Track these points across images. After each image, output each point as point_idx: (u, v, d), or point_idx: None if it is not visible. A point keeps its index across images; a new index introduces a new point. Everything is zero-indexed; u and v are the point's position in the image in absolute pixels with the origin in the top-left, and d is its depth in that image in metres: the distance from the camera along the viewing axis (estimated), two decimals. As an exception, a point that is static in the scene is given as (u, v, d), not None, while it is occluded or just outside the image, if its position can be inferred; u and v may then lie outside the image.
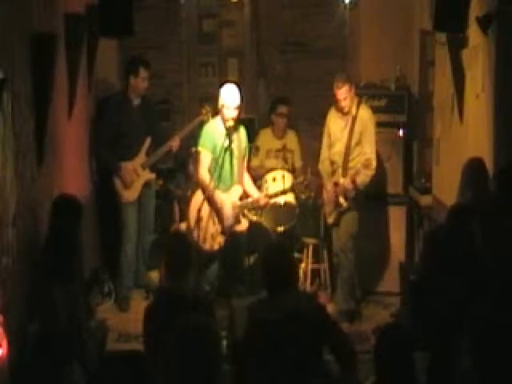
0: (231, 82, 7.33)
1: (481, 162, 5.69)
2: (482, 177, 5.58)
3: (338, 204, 7.26)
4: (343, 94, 7.14)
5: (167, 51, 9.03)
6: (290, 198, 7.49)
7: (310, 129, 8.68)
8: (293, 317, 4.46)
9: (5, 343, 3.95)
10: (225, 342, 5.03)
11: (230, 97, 6.97)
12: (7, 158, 4.69)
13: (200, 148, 7.09)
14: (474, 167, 5.67)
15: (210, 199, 7.01)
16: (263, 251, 5.02)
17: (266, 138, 8.26)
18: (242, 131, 7.24)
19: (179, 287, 4.86)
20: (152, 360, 3.62)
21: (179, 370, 3.42)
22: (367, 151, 7.16)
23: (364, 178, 7.14)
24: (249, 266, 7.62)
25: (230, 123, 6.98)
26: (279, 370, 4.38)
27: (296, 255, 7.81)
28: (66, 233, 5.31)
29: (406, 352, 3.73)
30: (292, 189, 7.44)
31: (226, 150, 7.01)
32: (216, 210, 7.04)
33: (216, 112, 7.27)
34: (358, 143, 7.22)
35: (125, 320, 7.37)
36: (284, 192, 7.40)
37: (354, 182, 7.11)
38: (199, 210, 6.99)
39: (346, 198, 7.22)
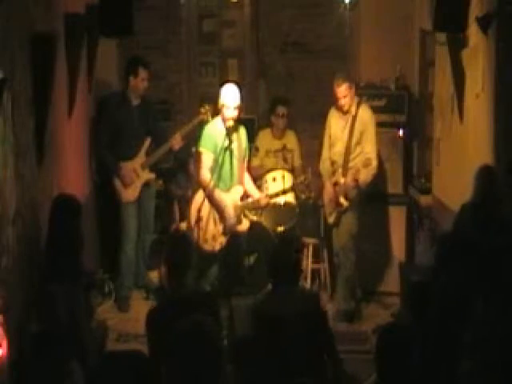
0: (232, 81, 7.32)
1: (489, 168, 5.69)
2: (487, 182, 5.58)
3: (338, 204, 7.26)
4: (343, 92, 7.15)
5: (167, 51, 9.04)
6: (290, 198, 7.50)
7: (310, 129, 8.69)
8: (300, 315, 4.51)
9: (5, 343, 3.95)
10: (225, 342, 5.03)
11: (230, 96, 6.96)
12: (7, 157, 4.69)
13: (201, 148, 7.08)
14: (481, 174, 5.66)
15: (211, 199, 7.01)
16: (275, 244, 5.10)
17: (266, 139, 8.26)
18: (243, 131, 7.23)
19: (180, 288, 4.87)
20: (156, 362, 3.62)
21: (180, 370, 3.42)
22: (368, 150, 7.17)
23: (365, 176, 7.13)
24: (249, 266, 7.62)
25: (230, 123, 6.97)
26: (283, 365, 4.42)
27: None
28: (65, 232, 5.31)
29: (406, 352, 3.73)
30: (292, 189, 7.44)
31: (225, 149, 7.00)
32: (218, 210, 7.04)
33: (216, 112, 7.26)
34: (359, 143, 7.22)
35: (125, 320, 7.37)
36: (284, 192, 7.40)
37: (356, 180, 7.11)
38: (199, 210, 6.99)
39: (346, 198, 7.22)
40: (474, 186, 5.63)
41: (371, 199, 7.49)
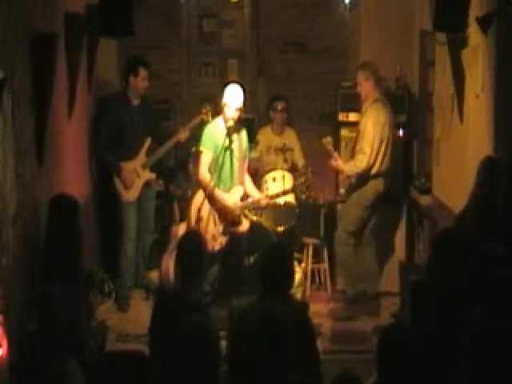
0: (236, 82, 7.31)
1: (492, 159, 5.67)
2: (489, 173, 5.56)
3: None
4: (357, 77, 7.32)
5: (167, 51, 9.04)
6: (290, 198, 7.50)
7: (310, 128, 8.69)
8: (278, 324, 4.40)
9: (5, 343, 3.95)
10: (224, 343, 5.02)
11: (232, 96, 6.96)
12: (7, 157, 4.69)
13: (201, 148, 7.09)
14: (483, 164, 5.64)
15: (210, 198, 7.00)
16: (264, 250, 5.00)
17: (266, 135, 8.27)
18: (244, 132, 7.23)
19: (188, 289, 4.87)
20: (154, 360, 3.62)
21: (178, 370, 3.42)
22: (362, 147, 7.18)
23: (351, 165, 7.25)
24: (249, 266, 7.62)
25: (231, 123, 6.97)
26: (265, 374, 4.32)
27: (296, 255, 7.82)
28: (64, 232, 5.31)
29: (407, 352, 3.73)
30: (293, 190, 7.45)
31: (226, 149, 7.01)
32: (218, 209, 7.03)
33: (216, 112, 7.27)
34: (362, 138, 7.24)
35: (125, 320, 7.36)
36: (285, 193, 7.41)
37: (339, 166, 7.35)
38: (199, 210, 6.99)
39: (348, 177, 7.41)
40: (476, 177, 5.61)
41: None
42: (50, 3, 5.96)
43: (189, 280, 4.96)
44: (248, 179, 7.37)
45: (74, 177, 6.85)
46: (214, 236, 7.05)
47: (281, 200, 7.44)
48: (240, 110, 6.99)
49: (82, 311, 5.10)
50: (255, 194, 7.33)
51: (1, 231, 4.53)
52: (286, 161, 8.17)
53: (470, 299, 4.22)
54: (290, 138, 8.28)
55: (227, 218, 7.07)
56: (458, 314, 4.17)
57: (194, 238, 5.38)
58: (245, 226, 7.27)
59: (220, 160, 6.98)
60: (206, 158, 7.04)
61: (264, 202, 7.31)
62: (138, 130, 7.61)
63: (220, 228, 7.08)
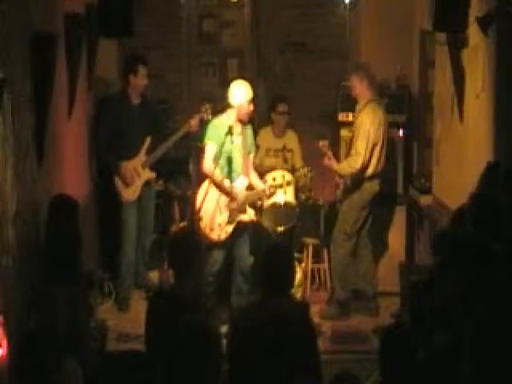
0: (238, 78, 7.33)
1: (496, 164, 5.65)
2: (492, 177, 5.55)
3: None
4: (351, 81, 7.34)
5: (167, 51, 9.04)
6: (290, 198, 7.50)
7: (310, 129, 8.69)
8: (280, 324, 4.39)
9: (5, 343, 3.95)
10: (224, 342, 5.02)
11: (241, 93, 7.02)
12: (7, 158, 4.69)
13: (206, 140, 7.10)
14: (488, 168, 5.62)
15: (218, 186, 7.02)
16: (265, 251, 5.00)
17: (266, 137, 8.27)
18: (249, 127, 7.27)
19: (181, 287, 4.86)
20: (153, 360, 3.61)
21: (179, 370, 3.42)
22: (356, 148, 7.19)
23: (344, 165, 7.28)
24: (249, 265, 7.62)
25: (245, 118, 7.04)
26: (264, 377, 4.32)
27: (296, 255, 7.83)
28: (63, 233, 5.31)
29: (408, 352, 3.73)
30: (295, 179, 7.46)
31: (231, 143, 7.02)
32: (226, 194, 7.06)
33: (216, 111, 7.27)
34: (356, 139, 7.26)
35: (125, 320, 7.37)
36: (288, 183, 7.42)
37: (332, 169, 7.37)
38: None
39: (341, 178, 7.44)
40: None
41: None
42: (50, 3, 5.96)
43: (181, 279, 4.93)
44: (253, 173, 7.38)
45: (74, 177, 6.85)
46: (220, 225, 7.07)
47: (281, 200, 7.44)
48: (252, 102, 7.05)
49: (82, 311, 5.10)
50: (260, 186, 7.35)
51: (1, 231, 4.53)
52: (286, 161, 8.17)
53: (471, 299, 4.23)
54: (291, 140, 8.28)
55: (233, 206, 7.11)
56: (459, 313, 4.18)
57: (184, 236, 5.35)
58: (250, 214, 7.29)
59: (225, 154, 7.00)
60: (210, 150, 7.05)
61: (268, 191, 7.32)
62: (138, 129, 7.61)
63: (225, 217, 7.08)
